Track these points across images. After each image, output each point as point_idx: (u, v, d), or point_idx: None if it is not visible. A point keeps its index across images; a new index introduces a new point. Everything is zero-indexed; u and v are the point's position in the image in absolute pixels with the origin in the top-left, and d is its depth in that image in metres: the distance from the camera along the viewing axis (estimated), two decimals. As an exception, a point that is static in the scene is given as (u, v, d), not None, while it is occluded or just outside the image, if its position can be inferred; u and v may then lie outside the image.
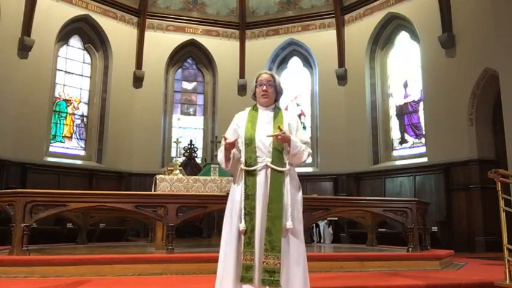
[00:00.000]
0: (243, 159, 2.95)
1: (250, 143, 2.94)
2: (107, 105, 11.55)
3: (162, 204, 5.30)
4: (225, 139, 2.90)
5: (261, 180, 2.89)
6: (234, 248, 2.80)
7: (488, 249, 8.23)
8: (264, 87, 3.07)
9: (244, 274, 2.77)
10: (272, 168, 2.90)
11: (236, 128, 3.05)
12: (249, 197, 2.86)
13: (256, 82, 3.12)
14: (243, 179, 2.92)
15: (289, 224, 2.83)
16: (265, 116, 3.06)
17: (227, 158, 2.96)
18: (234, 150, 2.96)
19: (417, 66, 10.65)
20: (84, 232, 7.22)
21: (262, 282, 2.75)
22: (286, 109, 12.76)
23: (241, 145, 2.98)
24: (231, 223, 2.88)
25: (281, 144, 2.93)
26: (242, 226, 2.81)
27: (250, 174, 2.91)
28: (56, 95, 11.05)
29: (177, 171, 6.89)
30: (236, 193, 2.93)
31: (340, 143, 11.50)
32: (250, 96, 3.22)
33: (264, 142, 2.94)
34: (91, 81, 11.74)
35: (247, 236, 2.81)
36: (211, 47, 12.71)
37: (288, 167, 2.95)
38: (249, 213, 2.83)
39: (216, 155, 10.16)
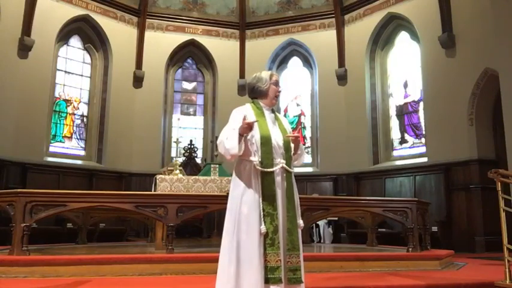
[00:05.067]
0: (257, 159, 2.89)
1: (266, 143, 2.90)
2: (107, 105, 11.55)
3: (162, 204, 5.29)
4: (245, 119, 2.79)
5: (278, 181, 2.89)
6: (257, 250, 2.75)
7: (488, 249, 8.23)
8: (280, 88, 3.10)
9: (270, 276, 2.73)
10: (286, 170, 2.93)
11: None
12: (268, 198, 2.83)
13: (270, 79, 3.06)
14: (259, 179, 2.87)
15: (301, 223, 2.93)
16: (269, 116, 3.06)
17: (241, 144, 2.81)
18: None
19: (417, 66, 10.65)
20: (84, 232, 7.22)
21: (288, 281, 2.78)
22: (286, 109, 12.85)
23: (255, 144, 2.90)
24: (248, 225, 2.79)
25: (290, 145, 2.97)
26: (264, 228, 2.77)
27: (267, 175, 2.87)
28: (56, 95, 11.04)
29: (177, 171, 6.89)
30: (251, 194, 2.84)
31: (340, 143, 11.50)
32: (260, 89, 3.04)
33: (278, 143, 2.94)
34: (91, 81, 11.73)
35: (269, 237, 2.77)
36: (211, 47, 12.71)
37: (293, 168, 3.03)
38: (268, 214, 2.80)
39: (217, 155, 10.11)
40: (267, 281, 2.73)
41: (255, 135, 2.91)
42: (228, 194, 3.01)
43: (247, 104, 3.11)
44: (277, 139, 2.94)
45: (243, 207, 2.83)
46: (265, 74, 3.08)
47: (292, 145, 3.00)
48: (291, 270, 2.80)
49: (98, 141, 11.42)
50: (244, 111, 2.99)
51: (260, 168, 2.87)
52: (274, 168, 2.88)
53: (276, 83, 3.08)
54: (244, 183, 2.89)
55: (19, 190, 5.11)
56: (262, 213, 2.80)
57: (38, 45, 10.02)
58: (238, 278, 2.73)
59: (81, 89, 11.57)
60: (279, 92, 3.09)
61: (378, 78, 11.59)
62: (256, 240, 2.76)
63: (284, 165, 2.91)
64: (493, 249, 7.62)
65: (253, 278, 2.71)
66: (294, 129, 2.98)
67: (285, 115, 12.52)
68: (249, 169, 2.90)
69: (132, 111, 11.78)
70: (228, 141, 2.82)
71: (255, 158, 2.90)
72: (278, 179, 2.89)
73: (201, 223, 10.51)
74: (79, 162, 11.00)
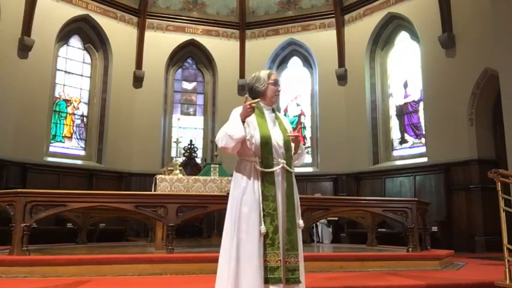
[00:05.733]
0: (257, 159, 2.89)
1: (266, 143, 2.90)
2: (107, 105, 11.55)
3: (162, 204, 5.29)
4: (246, 99, 2.78)
5: (279, 181, 2.89)
6: (257, 250, 2.75)
7: (488, 249, 8.23)
8: (279, 88, 3.08)
9: (270, 276, 2.73)
10: (286, 170, 2.92)
11: (245, 126, 2.90)
12: (268, 198, 2.83)
13: (269, 79, 3.03)
14: (259, 179, 2.87)
15: (301, 223, 2.92)
16: (269, 116, 3.05)
17: (242, 130, 2.79)
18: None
19: (417, 66, 10.65)
20: (84, 232, 7.23)
21: (287, 281, 2.78)
22: (286, 109, 12.84)
23: (255, 144, 2.90)
24: (248, 225, 2.79)
25: (290, 145, 2.97)
26: (264, 228, 2.77)
27: (267, 176, 2.87)
28: (56, 95, 11.04)
29: (177, 171, 6.89)
30: (251, 194, 2.84)
31: (340, 143, 11.50)
32: (258, 89, 3.01)
33: (278, 143, 2.94)
34: (91, 81, 11.73)
35: (269, 237, 2.77)
36: (211, 47, 12.71)
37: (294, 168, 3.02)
38: (268, 214, 2.80)
39: (217, 155, 10.10)
40: (266, 281, 2.73)
41: (255, 135, 2.90)
42: (228, 194, 3.01)
43: None
44: (277, 139, 2.94)
45: (243, 207, 2.83)
46: (263, 74, 3.05)
47: (292, 145, 3.00)
48: (289, 270, 2.79)
49: (98, 141, 11.41)
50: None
51: (260, 168, 2.87)
52: (274, 169, 2.88)
53: (275, 82, 3.05)
54: (244, 183, 2.88)
55: (19, 190, 5.11)
56: (262, 214, 2.80)
57: (38, 45, 10.01)
58: (238, 278, 2.72)
59: (81, 89, 11.57)
60: (278, 91, 3.07)
61: (378, 78, 11.59)
62: (256, 240, 2.76)
63: (284, 165, 2.91)
64: (493, 249, 7.62)
65: (253, 278, 2.70)
66: (294, 129, 3.01)
67: (285, 115, 12.52)
68: (249, 169, 2.90)
69: (132, 111, 11.78)
70: (231, 129, 2.80)
71: (255, 158, 2.90)
72: (278, 179, 2.89)
73: (201, 223, 10.51)
74: (79, 162, 11.00)
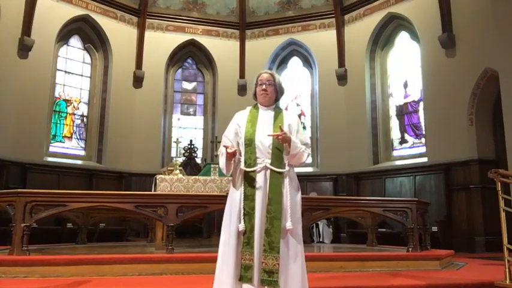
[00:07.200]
0: (242, 159, 2.96)
1: (250, 143, 2.96)
2: (107, 105, 11.55)
3: (162, 204, 5.30)
4: (226, 148, 2.91)
5: (261, 181, 2.90)
6: (233, 247, 2.82)
7: (488, 249, 8.23)
8: (264, 87, 3.08)
9: (243, 274, 2.78)
10: (271, 169, 2.91)
11: (237, 128, 3.05)
12: (248, 197, 2.88)
13: (256, 81, 3.13)
14: (242, 179, 2.93)
15: (288, 225, 2.86)
16: (265, 116, 3.07)
17: (228, 167, 2.97)
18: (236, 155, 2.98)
19: (417, 66, 10.65)
20: (84, 232, 7.23)
21: (262, 283, 2.78)
22: (286, 109, 12.81)
23: (241, 145, 3.00)
24: (230, 223, 2.89)
25: (281, 145, 2.94)
26: (241, 226, 2.83)
27: (250, 175, 2.91)
28: (56, 95, 11.04)
29: (177, 171, 6.89)
30: (235, 193, 2.95)
31: (340, 143, 11.50)
32: (252, 96, 3.22)
33: (263, 143, 2.95)
34: (91, 81, 11.73)
35: (246, 236, 2.83)
36: (211, 47, 12.71)
37: (287, 168, 2.97)
38: (248, 213, 2.85)
39: (216, 155, 10.16)
40: (241, 278, 2.79)
41: (242, 137, 3.00)
42: (227, 194, 3.09)
43: (248, 107, 3.18)
44: (263, 139, 2.95)
45: (229, 205, 2.97)
46: (255, 79, 3.16)
47: (285, 145, 2.95)
48: (265, 272, 2.78)
49: (98, 141, 11.41)
50: (239, 117, 3.11)
51: (243, 167, 2.94)
52: (254, 168, 2.91)
53: (261, 83, 3.11)
54: (234, 182, 3.01)
55: (19, 190, 5.12)
56: (242, 212, 2.86)
57: (38, 45, 10.01)
58: (220, 274, 2.84)
59: (81, 89, 11.57)
60: (263, 90, 3.08)
61: (378, 78, 11.59)
62: (234, 237, 2.83)
63: (268, 165, 2.92)
64: (493, 249, 7.63)
65: (228, 275, 2.79)
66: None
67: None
68: (238, 169, 2.99)
69: (132, 111, 11.78)
70: (221, 160, 3.00)
71: (242, 158, 2.97)
72: (260, 178, 2.90)
73: (201, 223, 10.50)
74: (79, 162, 11.00)
